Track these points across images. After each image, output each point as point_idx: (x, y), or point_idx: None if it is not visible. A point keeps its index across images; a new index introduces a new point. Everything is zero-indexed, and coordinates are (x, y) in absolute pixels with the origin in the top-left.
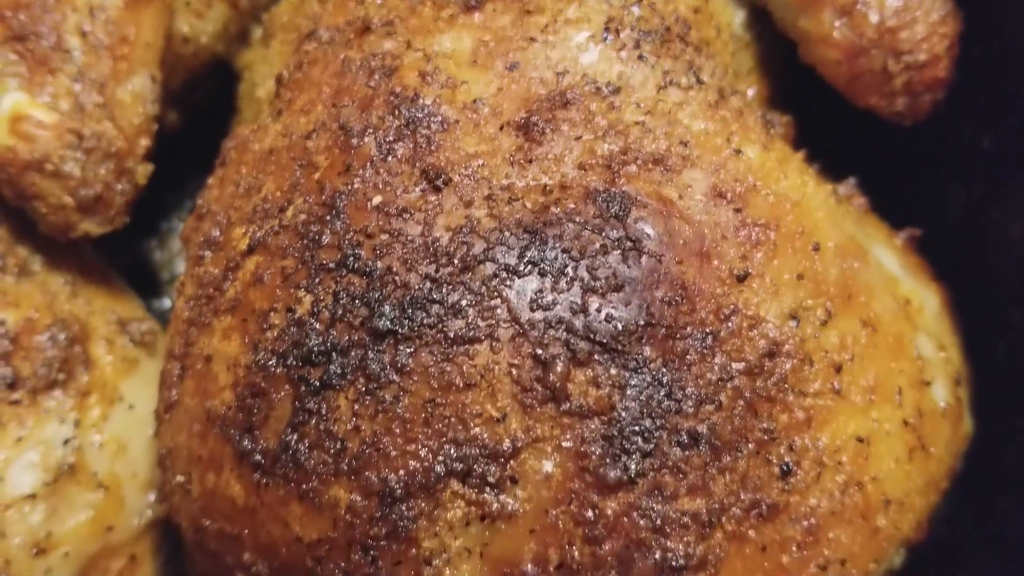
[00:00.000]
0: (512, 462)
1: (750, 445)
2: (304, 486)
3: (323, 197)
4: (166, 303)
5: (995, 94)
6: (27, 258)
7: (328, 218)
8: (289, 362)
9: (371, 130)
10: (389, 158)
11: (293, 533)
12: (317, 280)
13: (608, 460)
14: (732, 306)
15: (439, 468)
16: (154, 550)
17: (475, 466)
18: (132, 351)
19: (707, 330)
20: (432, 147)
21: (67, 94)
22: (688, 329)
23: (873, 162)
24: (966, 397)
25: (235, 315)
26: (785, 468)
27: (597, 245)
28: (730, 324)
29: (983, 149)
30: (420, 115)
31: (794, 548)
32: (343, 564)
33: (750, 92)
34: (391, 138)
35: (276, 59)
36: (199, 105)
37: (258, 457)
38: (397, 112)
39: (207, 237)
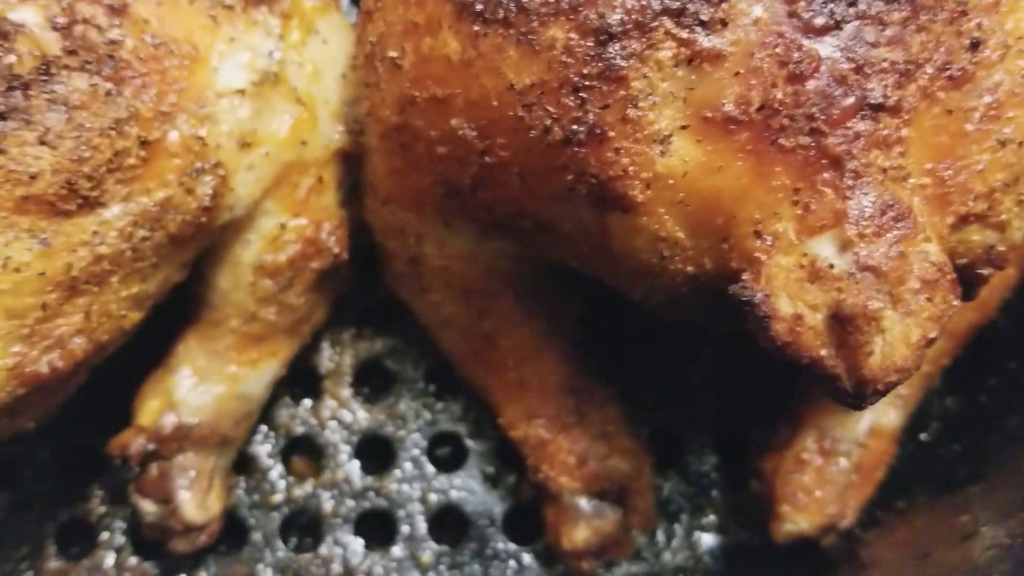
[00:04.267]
0: (724, 3)
1: (943, 13)
2: (523, 29)
3: None
4: None
5: None
6: None
7: None
8: None
9: None
10: None
11: (507, 81)
12: None
13: (816, 4)
14: None
15: (655, 4)
16: (337, 183)
17: (688, 5)
18: None
19: None
20: None
21: None
22: None
23: None
24: None
25: None
26: (974, 41)
27: None
28: None
29: None
30: None
31: (977, 117)
32: (552, 109)
33: None
34: None
35: None
36: None
37: (479, 7)
38: None
39: None
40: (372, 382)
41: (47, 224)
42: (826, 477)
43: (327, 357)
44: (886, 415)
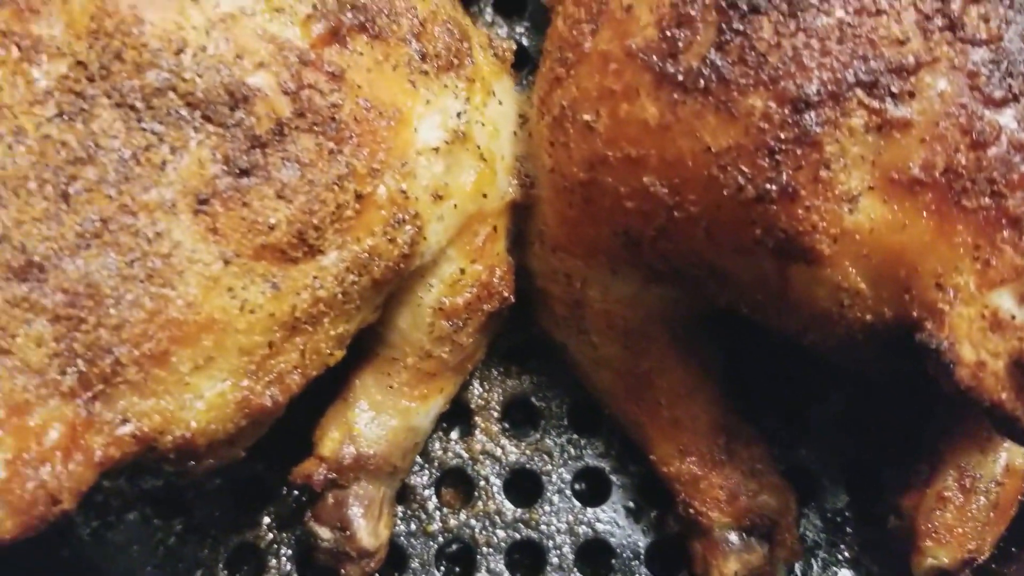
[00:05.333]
0: (912, 78)
1: None
2: (722, 97)
3: None
4: None
5: None
6: None
7: None
8: None
9: None
10: None
11: (704, 144)
12: None
13: (995, 79)
14: None
15: (849, 77)
16: (507, 229)
17: (880, 78)
18: (496, 61)
19: None
20: None
21: None
22: None
23: None
24: None
25: None
26: None
27: None
28: None
29: None
30: None
31: None
32: (747, 169)
33: None
34: None
35: None
36: None
37: (679, 77)
38: None
39: None
40: (518, 418)
41: (278, 270)
42: (967, 514)
43: (477, 394)
44: (1020, 455)
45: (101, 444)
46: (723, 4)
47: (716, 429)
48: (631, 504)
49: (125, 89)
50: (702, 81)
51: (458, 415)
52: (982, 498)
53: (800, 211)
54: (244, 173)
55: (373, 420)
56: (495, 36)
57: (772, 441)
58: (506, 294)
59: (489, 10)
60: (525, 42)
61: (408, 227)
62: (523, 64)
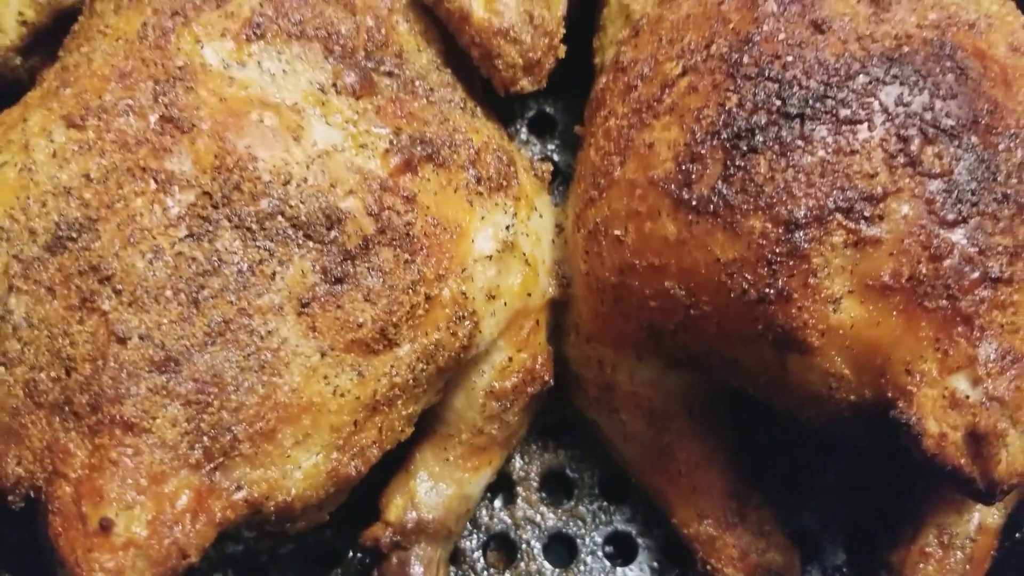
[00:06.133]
0: (881, 204)
1: None
2: (728, 219)
3: (739, 36)
4: None
5: None
6: (474, 107)
7: (746, 48)
8: (722, 136)
9: None
10: (785, 12)
11: (714, 256)
12: (741, 85)
13: (948, 205)
14: None
15: (830, 204)
16: (547, 322)
17: (855, 205)
18: (536, 181)
19: (1012, 131)
20: (815, 6)
21: None
22: (999, 129)
23: None
24: None
25: (673, 114)
26: None
27: (938, 69)
28: None
29: None
30: None
31: None
32: (749, 276)
33: None
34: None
35: None
36: None
37: (693, 202)
38: None
39: (639, 74)
40: (555, 487)
41: (363, 360)
42: (946, 567)
43: (519, 467)
44: (991, 515)
45: (220, 507)
46: (727, 145)
47: (729, 495)
48: (656, 564)
49: (243, 214)
50: (712, 206)
51: (502, 485)
52: (959, 552)
53: (794, 311)
54: (338, 281)
55: (432, 489)
56: (535, 160)
57: (778, 505)
58: (547, 378)
59: (524, 130)
60: (556, 157)
61: (467, 323)
62: (555, 176)
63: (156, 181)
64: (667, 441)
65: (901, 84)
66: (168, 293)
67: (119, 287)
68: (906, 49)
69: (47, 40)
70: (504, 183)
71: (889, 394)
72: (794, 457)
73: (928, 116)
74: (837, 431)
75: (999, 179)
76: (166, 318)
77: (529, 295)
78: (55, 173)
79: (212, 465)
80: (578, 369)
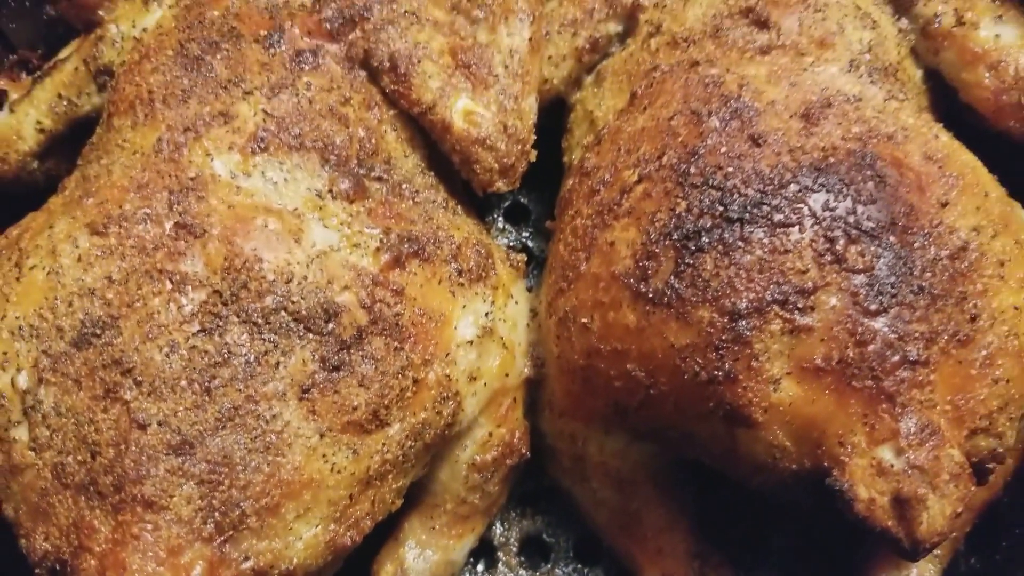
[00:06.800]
0: (812, 296)
1: (952, 299)
2: (681, 310)
3: (687, 149)
4: None
5: None
6: (455, 206)
7: (693, 159)
8: (674, 237)
9: (712, 113)
10: (726, 128)
11: (669, 342)
12: (689, 192)
13: (871, 297)
14: (940, 220)
15: (768, 297)
16: (523, 400)
17: (790, 297)
18: (512, 271)
19: (926, 231)
20: (752, 122)
21: (496, 102)
22: (915, 229)
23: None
24: None
25: (631, 217)
26: (972, 316)
27: (860, 177)
28: (939, 229)
29: None
30: (741, 106)
31: (978, 365)
32: (700, 360)
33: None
34: (726, 116)
35: (607, 94)
36: None
37: (650, 295)
38: (728, 105)
39: (601, 180)
40: (533, 551)
41: (357, 439)
42: None
43: (499, 533)
44: (927, 570)
45: None
46: (678, 245)
47: (692, 555)
48: None
49: (250, 310)
50: (666, 298)
51: (484, 551)
52: None
53: (739, 390)
54: (335, 369)
55: (420, 556)
56: (510, 250)
57: (738, 564)
58: (524, 451)
59: (501, 219)
60: (530, 243)
61: (451, 402)
62: (529, 261)
63: (172, 282)
64: (635, 507)
65: (827, 191)
66: (183, 383)
67: (139, 378)
68: (832, 160)
69: (61, 145)
70: (483, 274)
71: (825, 463)
72: (753, 520)
73: (851, 219)
74: (784, 497)
75: (915, 273)
76: (182, 405)
77: (507, 376)
78: (80, 276)
79: (223, 538)
80: (552, 442)
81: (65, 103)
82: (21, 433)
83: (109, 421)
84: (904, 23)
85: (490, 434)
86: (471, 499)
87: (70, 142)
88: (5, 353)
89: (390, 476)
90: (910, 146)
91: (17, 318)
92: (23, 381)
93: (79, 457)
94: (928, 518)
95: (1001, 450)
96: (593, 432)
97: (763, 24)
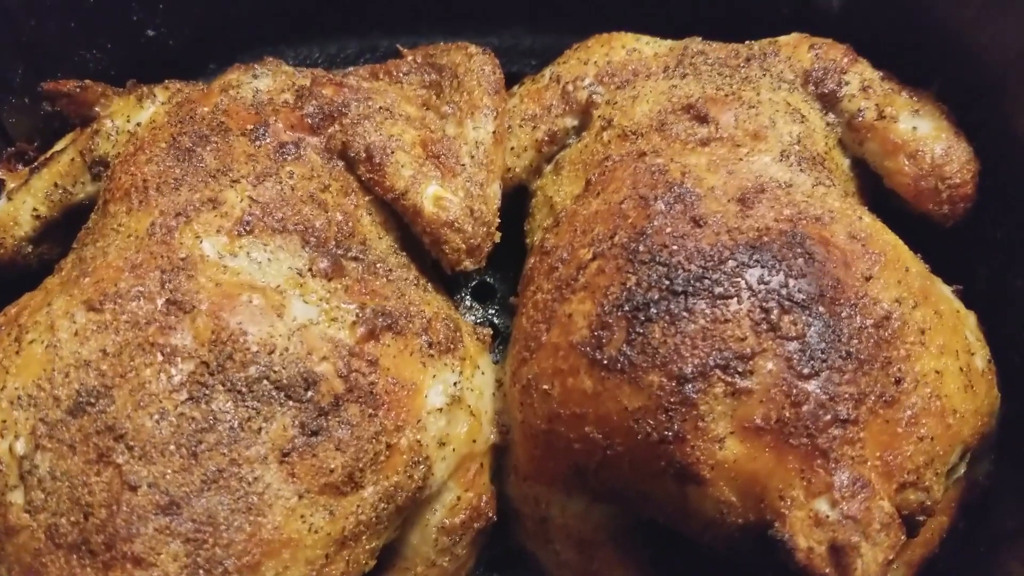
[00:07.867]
0: (750, 362)
1: (877, 364)
2: (633, 375)
3: (636, 229)
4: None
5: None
6: (426, 283)
7: (640, 238)
8: (625, 309)
9: (658, 198)
10: (671, 211)
11: (623, 405)
12: (638, 268)
13: (803, 362)
14: (864, 292)
15: (711, 362)
16: (490, 465)
17: (730, 362)
18: (479, 343)
19: (852, 302)
20: (694, 205)
21: (463, 188)
22: (841, 300)
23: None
24: (994, 375)
25: (587, 291)
26: (897, 379)
27: (791, 254)
28: (864, 300)
29: (997, 239)
30: (684, 192)
31: (904, 424)
32: (652, 422)
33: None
34: (671, 200)
35: (565, 181)
36: None
37: (605, 362)
38: (672, 190)
39: (559, 258)
40: None
41: (334, 501)
42: None
43: None
44: None
45: None
46: (629, 316)
47: None
48: None
49: (234, 379)
50: (619, 364)
51: None
52: None
53: (688, 449)
54: (314, 434)
55: None
56: (477, 325)
57: None
58: (491, 515)
59: (468, 297)
60: (496, 320)
61: (422, 467)
62: (495, 337)
63: (162, 354)
64: (595, 567)
65: (762, 267)
66: (172, 447)
67: (131, 443)
68: (766, 239)
69: (55, 230)
70: (452, 347)
71: (767, 516)
72: (705, 570)
73: (784, 292)
74: (733, 552)
75: (843, 340)
76: (170, 468)
77: (474, 441)
78: (77, 348)
79: None
80: (518, 506)
81: (61, 191)
82: (17, 497)
83: (102, 483)
84: (831, 117)
85: (458, 498)
86: (440, 562)
87: (63, 227)
88: (4, 421)
89: (364, 537)
90: (836, 226)
91: (16, 388)
92: (20, 447)
93: (72, 518)
94: (862, 564)
95: (929, 503)
96: (555, 495)
97: (703, 119)
